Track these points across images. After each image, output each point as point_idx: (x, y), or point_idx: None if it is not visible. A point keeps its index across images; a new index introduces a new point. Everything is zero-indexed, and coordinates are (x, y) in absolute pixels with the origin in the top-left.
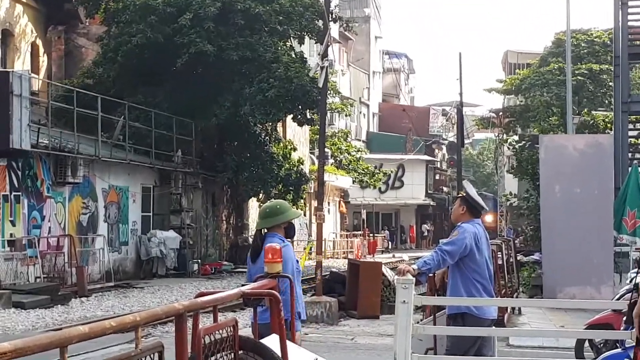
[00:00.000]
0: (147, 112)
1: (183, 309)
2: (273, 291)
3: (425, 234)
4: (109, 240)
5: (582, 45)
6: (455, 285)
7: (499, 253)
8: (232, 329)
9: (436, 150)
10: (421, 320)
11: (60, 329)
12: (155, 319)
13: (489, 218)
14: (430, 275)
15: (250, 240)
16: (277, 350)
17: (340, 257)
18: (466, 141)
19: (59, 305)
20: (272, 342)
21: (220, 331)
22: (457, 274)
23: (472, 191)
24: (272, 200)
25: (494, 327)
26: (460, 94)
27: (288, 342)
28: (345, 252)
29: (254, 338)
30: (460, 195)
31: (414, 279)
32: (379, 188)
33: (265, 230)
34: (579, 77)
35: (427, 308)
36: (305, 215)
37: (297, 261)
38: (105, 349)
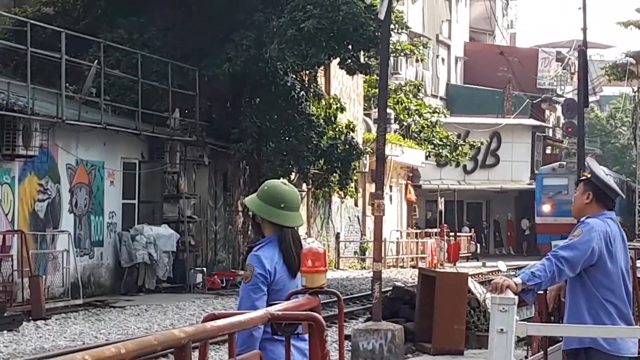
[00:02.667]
0: (132, 55)
1: (186, 338)
2: (315, 314)
3: (528, 232)
4: (76, 239)
5: None
6: (577, 307)
7: (638, 262)
8: None
9: (547, 112)
10: (526, 357)
11: None
12: (147, 351)
13: None
14: (541, 292)
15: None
16: None
17: (407, 265)
18: (591, 99)
19: (5, 332)
20: None
21: None
22: (579, 292)
23: (600, 171)
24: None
25: None
26: (584, 30)
27: None
28: (415, 258)
29: None
30: (583, 177)
31: (517, 297)
32: (464, 166)
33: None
34: None
35: (535, 340)
36: (357, 205)
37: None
38: None
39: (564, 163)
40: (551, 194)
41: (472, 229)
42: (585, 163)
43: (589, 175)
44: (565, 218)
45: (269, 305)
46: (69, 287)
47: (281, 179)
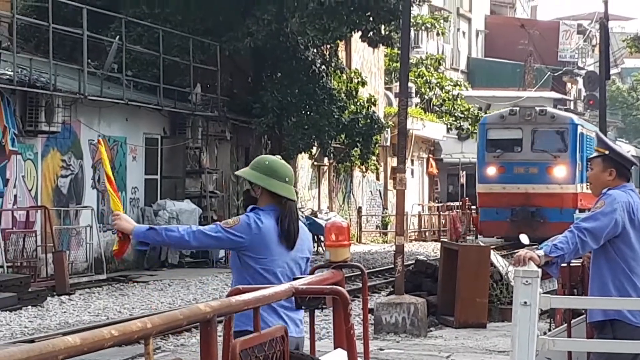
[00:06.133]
0: (154, 31)
1: (212, 313)
2: (339, 287)
3: None
4: (99, 214)
5: None
6: (601, 279)
7: None
8: (280, 342)
9: (568, 85)
10: (550, 330)
11: (34, 340)
12: (172, 326)
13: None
14: (565, 265)
15: (301, 215)
16: None
17: (429, 238)
18: (613, 71)
19: (30, 307)
20: (336, 359)
21: (264, 344)
22: (603, 264)
23: (616, 145)
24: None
25: None
26: (605, 2)
27: None
28: (437, 231)
29: (311, 354)
30: (600, 153)
31: (540, 270)
32: None
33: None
34: None
35: (559, 313)
36: (378, 179)
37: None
38: None
39: (516, 109)
40: (499, 152)
41: None
42: (596, 137)
43: (607, 151)
44: (518, 185)
45: (257, 274)
46: (93, 262)
47: (276, 156)
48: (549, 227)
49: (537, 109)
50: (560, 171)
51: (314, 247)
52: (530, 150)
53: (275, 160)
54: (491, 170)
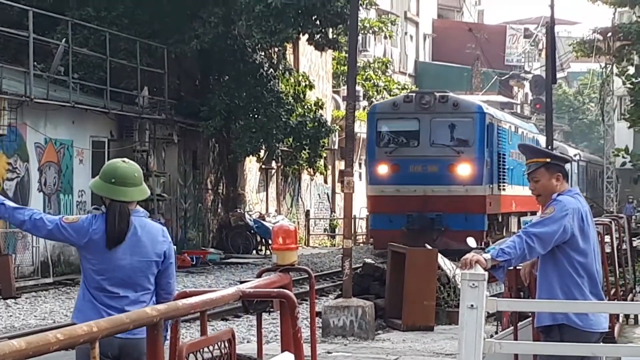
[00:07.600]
0: (100, 33)
1: (158, 316)
2: (286, 291)
3: None
4: None
5: None
6: (549, 284)
7: (606, 237)
8: (227, 345)
9: (515, 89)
10: (497, 333)
11: None
12: (119, 330)
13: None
14: (511, 268)
15: (248, 218)
16: None
17: None
18: (559, 75)
19: None
20: None
21: (211, 347)
22: (550, 268)
23: (550, 151)
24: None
25: (601, 344)
26: (552, 7)
27: None
28: None
29: (259, 358)
30: (540, 163)
31: (487, 273)
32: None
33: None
34: None
35: (505, 316)
36: (326, 182)
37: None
38: None
39: (412, 95)
40: (392, 147)
41: None
42: (529, 149)
43: (549, 159)
44: (415, 187)
45: (90, 276)
46: (39, 266)
47: (123, 158)
48: (452, 236)
49: (437, 94)
50: (464, 170)
51: (261, 249)
52: (428, 145)
53: (110, 162)
54: (382, 169)
